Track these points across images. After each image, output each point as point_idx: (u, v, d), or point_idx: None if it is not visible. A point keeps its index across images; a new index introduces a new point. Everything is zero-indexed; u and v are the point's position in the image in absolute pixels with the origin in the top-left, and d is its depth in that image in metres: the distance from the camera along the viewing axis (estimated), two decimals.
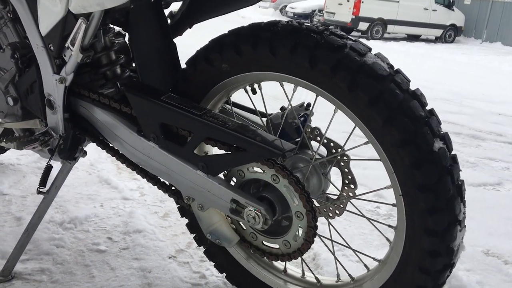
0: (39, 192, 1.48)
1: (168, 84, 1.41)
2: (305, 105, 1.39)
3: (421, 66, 8.49)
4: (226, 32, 1.24)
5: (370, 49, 1.10)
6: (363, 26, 14.00)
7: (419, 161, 1.01)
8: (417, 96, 1.05)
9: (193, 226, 1.51)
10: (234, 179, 1.29)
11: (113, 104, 1.38)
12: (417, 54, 10.97)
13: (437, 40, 15.41)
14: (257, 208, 1.18)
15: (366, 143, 1.13)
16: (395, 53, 10.18)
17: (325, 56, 1.06)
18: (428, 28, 14.96)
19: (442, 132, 1.06)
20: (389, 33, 14.63)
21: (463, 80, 7.37)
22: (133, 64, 1.60)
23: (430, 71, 7.98)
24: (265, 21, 1.21)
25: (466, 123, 4.39)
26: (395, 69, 1.09)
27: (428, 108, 1.07)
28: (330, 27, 1.14)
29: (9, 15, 1.51)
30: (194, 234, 1.52)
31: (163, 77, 1.43)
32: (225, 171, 1.29)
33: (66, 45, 1.31)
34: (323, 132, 1.31)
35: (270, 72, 1.18)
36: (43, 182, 1.48)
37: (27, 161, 2.47)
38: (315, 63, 1.08)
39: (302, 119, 1.34)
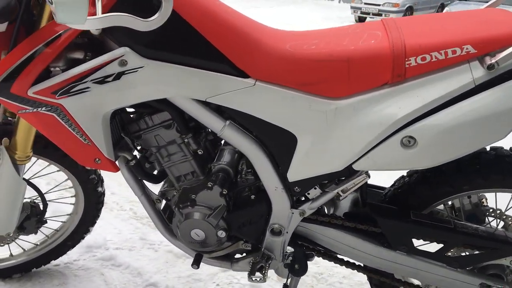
0: None
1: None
2: None
3: None
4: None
5: None
6: None
7: None
8: None
9: None
10: None
11: (359, 226, 1.56)
12: None
13: None
14: (502, 285, 1.59)
15: None
16: None
17: None
18: None
19: None
20: None
21: None
22: None
23: None
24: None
25: None
26: None
27: None
28: None
29: (199, 152, 1.52)
30: None
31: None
32: None
33: (335, 191, 1.45)
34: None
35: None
36: None
37: (85, 255, 2.32)
38: None
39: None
